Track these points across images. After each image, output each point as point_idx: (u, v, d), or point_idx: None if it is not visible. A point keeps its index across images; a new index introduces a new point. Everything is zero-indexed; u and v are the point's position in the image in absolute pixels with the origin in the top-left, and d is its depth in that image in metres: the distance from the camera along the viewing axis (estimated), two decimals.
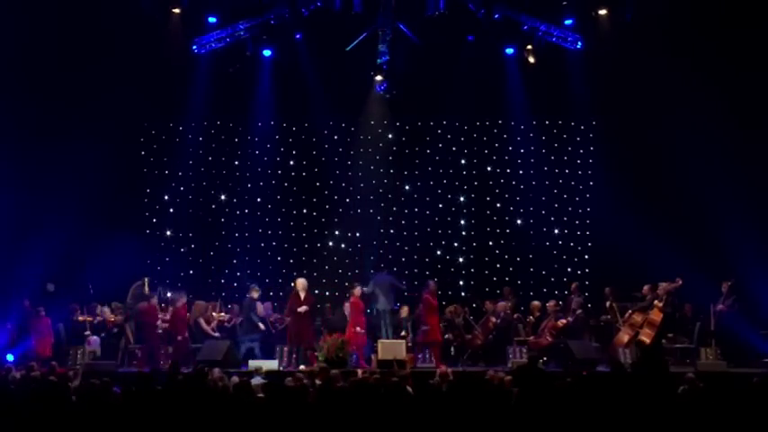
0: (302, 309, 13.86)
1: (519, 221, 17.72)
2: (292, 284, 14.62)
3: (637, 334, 13.73)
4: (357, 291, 14.32)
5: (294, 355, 13.84)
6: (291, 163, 17.95)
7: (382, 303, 14.59)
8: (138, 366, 13.57)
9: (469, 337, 14.98)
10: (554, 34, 16.24)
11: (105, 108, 15.51)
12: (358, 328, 13.90)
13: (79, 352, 14.14)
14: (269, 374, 11.05)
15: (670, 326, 13.96)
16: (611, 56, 15.85)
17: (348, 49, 16.28)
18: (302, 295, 14.05)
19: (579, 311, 14.63)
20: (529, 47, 16.60)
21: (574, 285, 15.66)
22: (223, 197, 17.78)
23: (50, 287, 14.85)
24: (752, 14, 14.71)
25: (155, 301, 14.54)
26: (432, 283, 14.45)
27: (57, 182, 15.45)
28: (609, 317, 14.75)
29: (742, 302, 13.82)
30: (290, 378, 9.59)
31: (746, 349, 13.37)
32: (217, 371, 10.39)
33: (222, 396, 8.60)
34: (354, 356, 13.74)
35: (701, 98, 14.52)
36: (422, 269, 17.52)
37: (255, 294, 14.62)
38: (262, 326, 14.42)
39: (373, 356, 13.63)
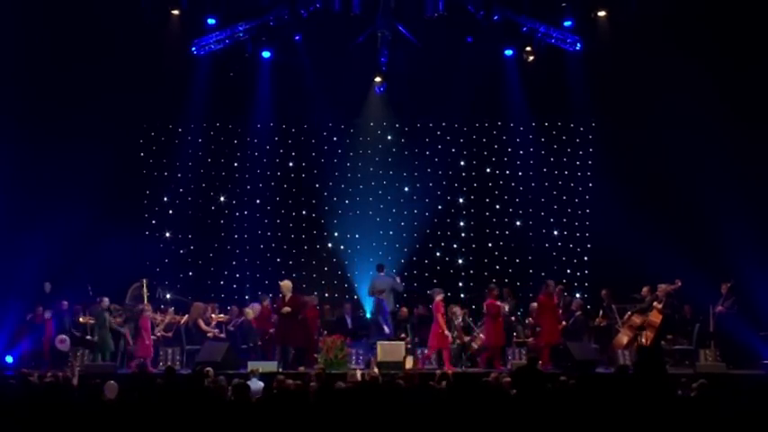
0: (285, 310, 13.85)
1: (518, 223, 17.73)
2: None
3: (636, 336, 13.72)
4: (440, 296, 14.18)
5: (291, 356, 13.88)
6: (290, 164, 17.95)
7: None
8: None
9: (469, 338, 14.95)
10: (553, 36, 16.28)
11: (104, 109, 15.51)
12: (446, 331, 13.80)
13: (78, 354, 14.14)
14: (266, 376, 11.03)
15: (669, 327, 13.95)
16: (610, 57, 15.88)
17: (353, 46, 16.26)
18: (286, 297, 14.04)
19: (578, 313, 14.62)
20: (528, 48, 16.62)
21: (558, 288, 15.58)
22: (222, 198, 17.78)
23: (47, 287, 14.84)
24: (751, 16, 14.71)
25: (267, 303, 14.74)
26: (551, 283, 14.18)
27: (56, 183, 15.45)
28: (602, 321, 14.68)
29: (741, 304, 13.80)
30: (290, 380, 9.59)
31: (746, 351, 13.35)
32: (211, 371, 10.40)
33: (220, 397, 8.60)
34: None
35: (700, 99, 14.53)
36: (421, 270, 17.53)
37: (383, 295, 14.60)
38: (387, 329, 14.33)
39: (372, 358, 13.61)
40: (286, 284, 14.24)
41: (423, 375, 11.09)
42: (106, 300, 14.43)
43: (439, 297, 13.94)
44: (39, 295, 14.74)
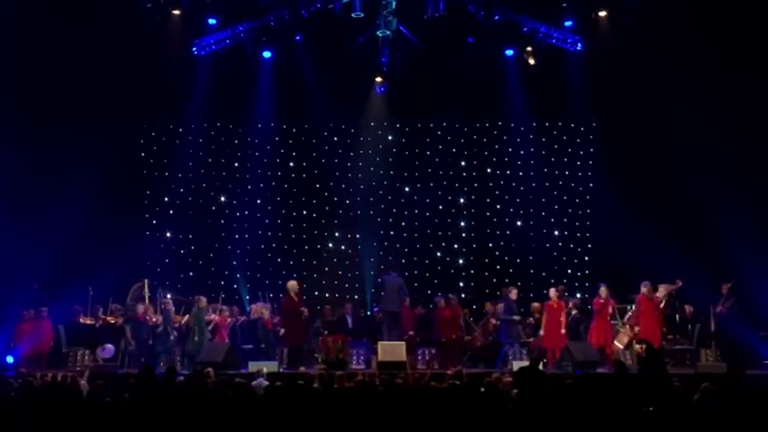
0: (304, 309, 14.03)
1: (519, 223, 17.74)
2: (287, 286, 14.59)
3: (636, 335, 13.71)
4: (554, 293, 14.23)
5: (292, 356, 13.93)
6: (291, 165, 17.97)
7: (386, 304, 14.58)
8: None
9: (470, 338, 14.97)
10: (554, 36, 16.27)
11: (105, 109, 15.48)
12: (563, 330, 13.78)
13: (79, 354, 14.13)
14: (270, 376, 11.04)
15: (670, 327, 13.95)
16: (611, 57, 15.86)
17: (353, 46, 16.26)
18: (298, 296, 14.15)
19: (575, 312, 14.56)
20: (529, 48, 16.63)
21: (560, 288, 15.52)
22: (223, 199, 17.79)
23: (35, 286, 14.79)
24: (751, 16, 14.71)
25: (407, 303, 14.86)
26: (648, 284, 13.71)
27: (56, 183, 15.42)
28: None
29: (742, 304, 13.79)
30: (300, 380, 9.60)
31: (747, 351, 13.34)
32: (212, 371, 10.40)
33: (222, 397, 8.59)
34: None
35: (700, 99, 14.53)
36: (422, 270, 17.54)
37: (514, 295, 14.47)
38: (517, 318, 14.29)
39: (373, 358, 13.62)
40: (295, 285, 14.36)
41: (422, 376, 11.08)
42: (203, 299, 14.47)
43: (553, 294, 14.05)
44: (37, 295, 14.69)
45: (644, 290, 13.51)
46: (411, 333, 14.41)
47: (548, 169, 17.73)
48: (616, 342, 13.91)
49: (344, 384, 9.68)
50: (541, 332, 14.04)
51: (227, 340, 14.17)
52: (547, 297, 15.35)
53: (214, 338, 14.18)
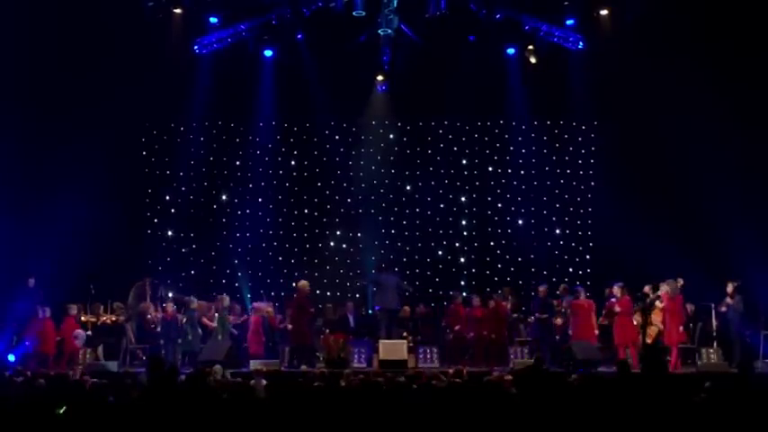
0: (312, 309, 14.22)
1: (520, 222, 17.74)
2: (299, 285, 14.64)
3: (638, 334, 13.70)
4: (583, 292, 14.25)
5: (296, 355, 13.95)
6: (293, 163, 17.96)
7: (387, 303, 14.58)
8: None
9: (472, 335, 14.95)
10: (555, 34, 16.28)
11: (107, 108, 15.45)
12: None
13: (80, 353, 14.13)
14: (271, 374, 11.04)
15: None
16: (613, 56, 15.84)
17: (355, 44, 16.25)
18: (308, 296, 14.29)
19: (569, 311, 14.54)
20: (530, 47, 16.63)
21: (562, 287, 15.52)
22: (224, 197, 17.80)
23: (31, 282, 14.78)
24: (753, 14, 14.70)
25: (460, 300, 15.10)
26: (670, 281, 13.52)
27: (58, 181, 15.41)
28: (604, 320, 14.62)
29: (746, 303, 13.77)
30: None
31: (749, 349, 13.33)
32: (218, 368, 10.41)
33: (225, 396, 8.59)
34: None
35: (702, 98, 14.49)
36: (423, 269, 17.55)
37: (542, 293, 14.72)
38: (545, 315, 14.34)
39: (374, 356, 13.63)
40: (306, 284, 14.48)
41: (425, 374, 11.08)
42: (227, 297, 14.66)
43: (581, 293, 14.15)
44: (33, 291, 14.69)
45: (667, 288, 13.34)
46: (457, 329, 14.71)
47: (549, 168, 17.74)
48: None
49: (351, 383, 9.68)
50: (570, 332, 14.01)
51: (263, 339, 14.16)
52: (549, 296, 15.41)
53: (248, 336, 14.22)
